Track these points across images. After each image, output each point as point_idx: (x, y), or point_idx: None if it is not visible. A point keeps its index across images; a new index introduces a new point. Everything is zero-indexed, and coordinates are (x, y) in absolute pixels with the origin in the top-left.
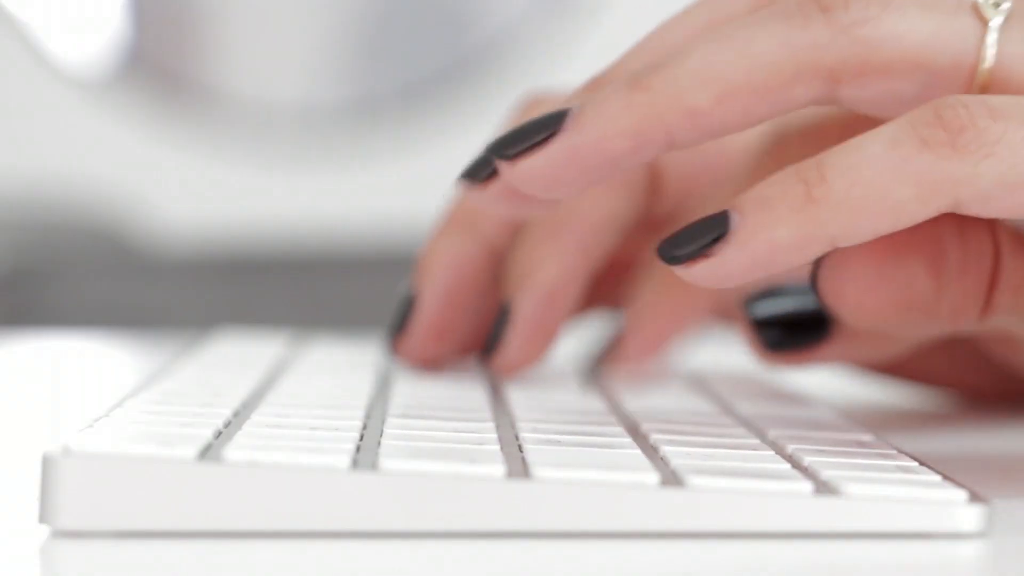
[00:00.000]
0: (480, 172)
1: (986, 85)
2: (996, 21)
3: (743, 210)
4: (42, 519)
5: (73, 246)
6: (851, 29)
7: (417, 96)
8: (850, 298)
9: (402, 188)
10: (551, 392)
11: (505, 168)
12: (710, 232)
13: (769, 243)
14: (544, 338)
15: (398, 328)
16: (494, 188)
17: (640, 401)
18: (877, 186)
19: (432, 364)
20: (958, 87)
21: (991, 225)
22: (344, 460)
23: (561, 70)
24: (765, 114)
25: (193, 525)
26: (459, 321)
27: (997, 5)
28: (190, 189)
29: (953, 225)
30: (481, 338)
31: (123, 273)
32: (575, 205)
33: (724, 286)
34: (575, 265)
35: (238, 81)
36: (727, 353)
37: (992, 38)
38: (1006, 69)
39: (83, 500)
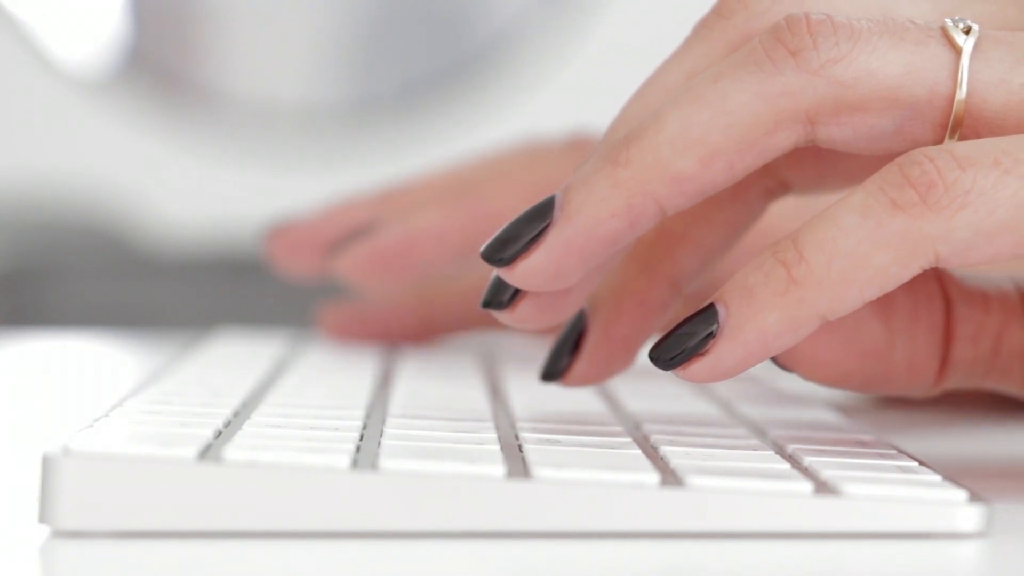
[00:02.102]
0: (501, 296)
1: (961, 115)
2: (967, 47)
3: (728, 302)
4: (42, 519)
5: (73, 246)
6: (824, 70)
7: (417, 96)
8: (804, 354)
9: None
10: (551, 392)
11: (505, 273)
12: (700, 331)
13: (760, 332)
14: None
15: (281, 229)
16: (522, 308)
17: (640, 401)
18: (856, 256)
19: (295, 265)
20: (935, 118)
21: (937, 275)
22: (344, 460)
23: (561, 70)
24: (750, 166)
25: (193, 525)
26: (328, 241)
27: (967, 30)
28: (190, 189)
29: None
30: None
31: (123, 273)
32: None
33: (725, 379)
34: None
35: (238, 81)
36: None
37: (965, 65)
38: (980, 96)
39: (83, 500)
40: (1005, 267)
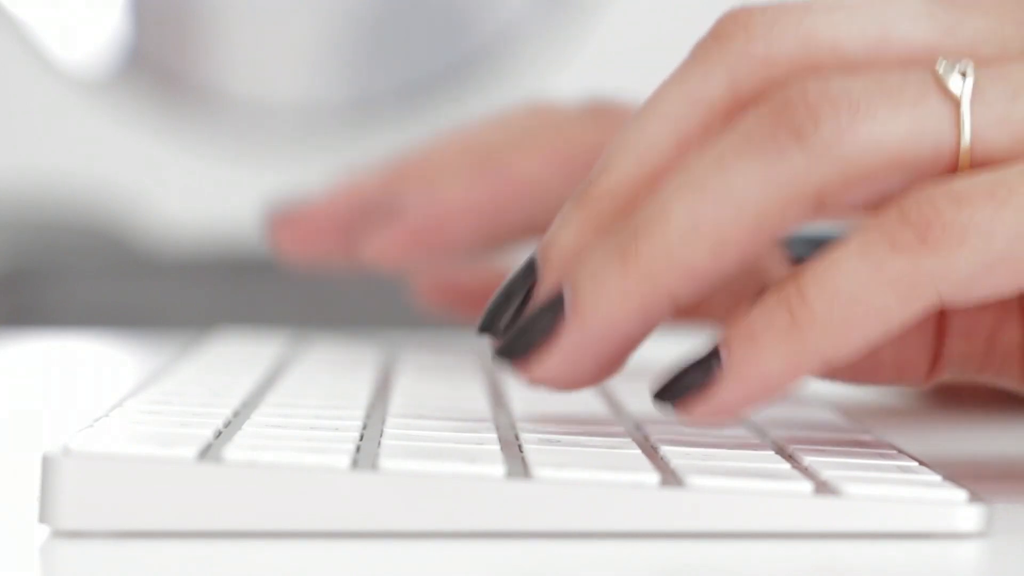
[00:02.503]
0: (499, 323)
1: (967, 162)
2: (965, 94)
3: (731, 346)
4: (42, 519)
5: (73, 246)
6: (829, 150)
7: (417, 96)
8: None
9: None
10: (551, 392)
11: (522, 372)
12: (701, 372)
13: (761, 376)
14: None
15: (283, 213)
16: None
17: (640, 401)
18: (857, 298)
19: (299, 256)
20: (943, 169)
21: None
22: (344, 460)
23: (560, 70)
24: (760, 250)
25: (193, 525)
26: (336, 231)
27: (963, 74)
28: (190, 189)
29: None
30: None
31: (123, 273)
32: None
33: (726, 419)
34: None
35: (238, 81)
36: None
37: (966, 114)
38: (984, 140)
39: (83, 500)
40: None
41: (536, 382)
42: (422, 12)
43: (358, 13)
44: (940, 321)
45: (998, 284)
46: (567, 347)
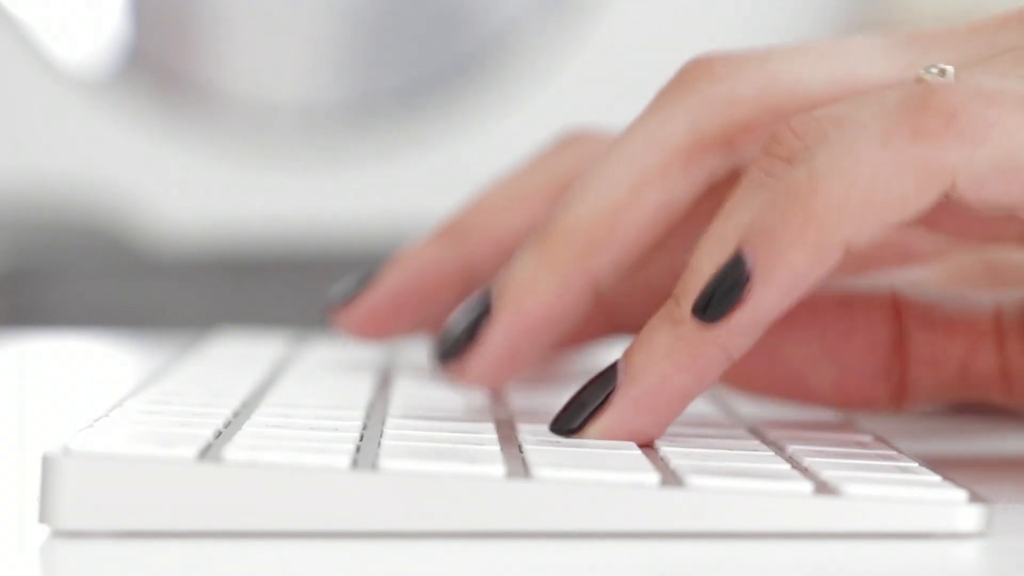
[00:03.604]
0: (456, 349)
1: None
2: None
3: (755, 249)
4: (42, 519)
5: (73, 246)
6: (827, 176)
7: (417, 96)
8: (733, 378)
9: (402, 188)
10: (551, 392)
11: (584, 434)
12: (732, 281)
13: (790, 270)
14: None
15: (346, 297)
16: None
17: None
18: (876, 184)
19: (364, 339)
20: None
21: (893, 300)
22: (344, 460)
23: (560, 71)
24: (813, 283)
25: (193, 525)
26: (408, 315)
27: (942, 72)
28: (190, 189)
29: (833, 302)
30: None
31: (123, 273)
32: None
33: (765, 327)
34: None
35: (238, 81)
36: None
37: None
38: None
39: (83, 500)
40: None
41: (603, 439)
42: (422, 12)
43: (358, 13)
44: (900, 349)
45: (1008, 191)
46: (620, 409)
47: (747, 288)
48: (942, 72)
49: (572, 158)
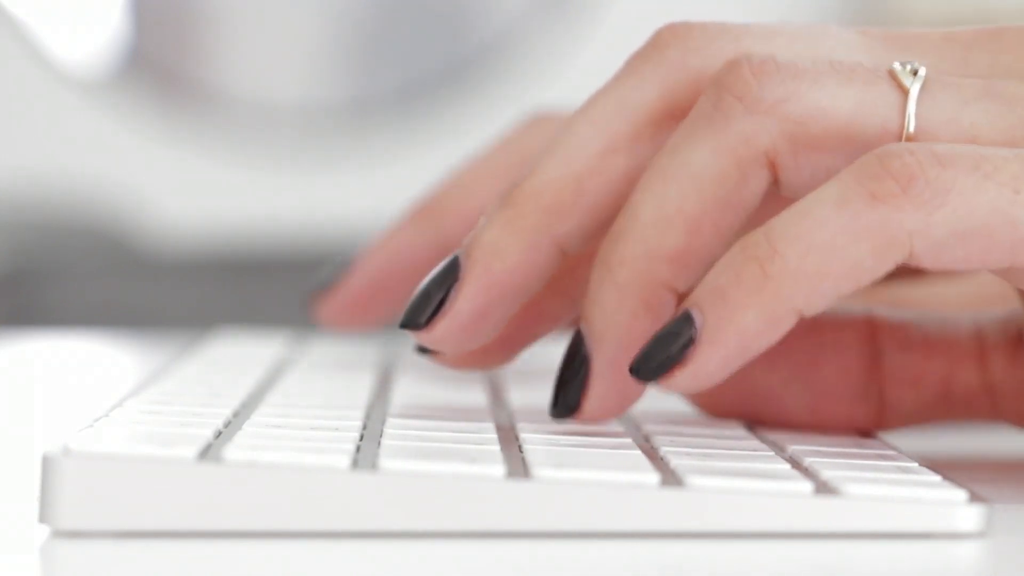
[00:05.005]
0: (419, 317)
1: None
2: (914, 89)
3: (702, 307)
4: (42, 519)
5: (73, 246)
6: (773, 108)
7: (416, 96)
8: (704, 403)
9: (401, 188)
10: (551, 392)
11: (580, 418)
12: (677, 340)
13: (739, 333)
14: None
15: (324, 287)
16: (440, 328)
17: (640, 401)
18: (832, 249)
19: (347, 327)
20: None
21: (868, 321)
22: (344, 460)
23: (560, 71)
24: (734, 223)
25: (193, 525)
26: (387, 299)
27: (914, 72)
28: (190, 189)
29: (801, 325)
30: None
31: (123, 273)
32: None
33: (709, 386)
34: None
35: (238, 81)
36: None
37: (912, 107)
38: (931, 134)
39: (83, 500)
40: (971, 307)
41: (592, 418)
42: (422, 13)
43: (358, 13)
44: (876, 371)
45: (967, 255)
46: (600, 374)
47: (691, 350)
48: (914, 72)
49: (539, 137)
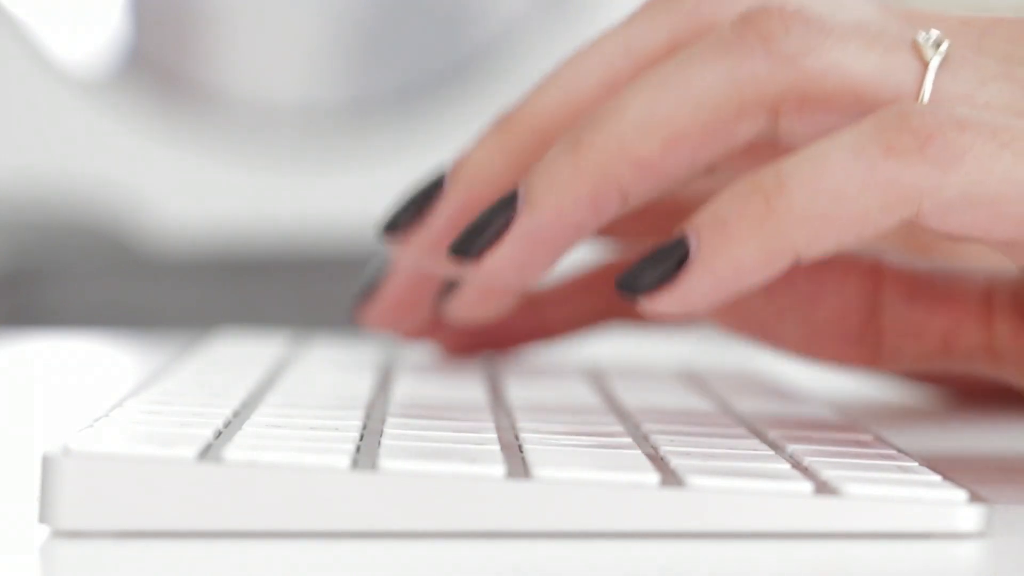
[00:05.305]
0: (470, 247)
1: None
2: (934, 62)
3: (700, 232)
4: (42, 519)
5: (73, 246)
6: (794, 60)
7: (416, 96)
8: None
9: (402, 188)
10: (551, 392)
11: (473, 268)
12: (669, 259)
13: (733, 264)
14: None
15: (366, 291)
16: (466, 296)
17: (640, 401)
18: (842, 196)
19: (391, 327)
20: None
21: (873, 268)
22: (344, 460)
23: None
24: (711, 156)
25: (193, 525)
26: (423, 300)
27: (937, 44)
28: (190, 189)
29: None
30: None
31: (123, 273)
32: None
33: (692, 312)
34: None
35: (238, 81)
36: (725, 351)
37: (930, 77)
38: (945, 107)
39: (83, 500)
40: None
41: (487, 275)
42: (422, 12)
43: (358, 13)
44: (875, 318)
45: (974, 222)
46: (518, 237)
47: (681, 271)
48: (938, 43)
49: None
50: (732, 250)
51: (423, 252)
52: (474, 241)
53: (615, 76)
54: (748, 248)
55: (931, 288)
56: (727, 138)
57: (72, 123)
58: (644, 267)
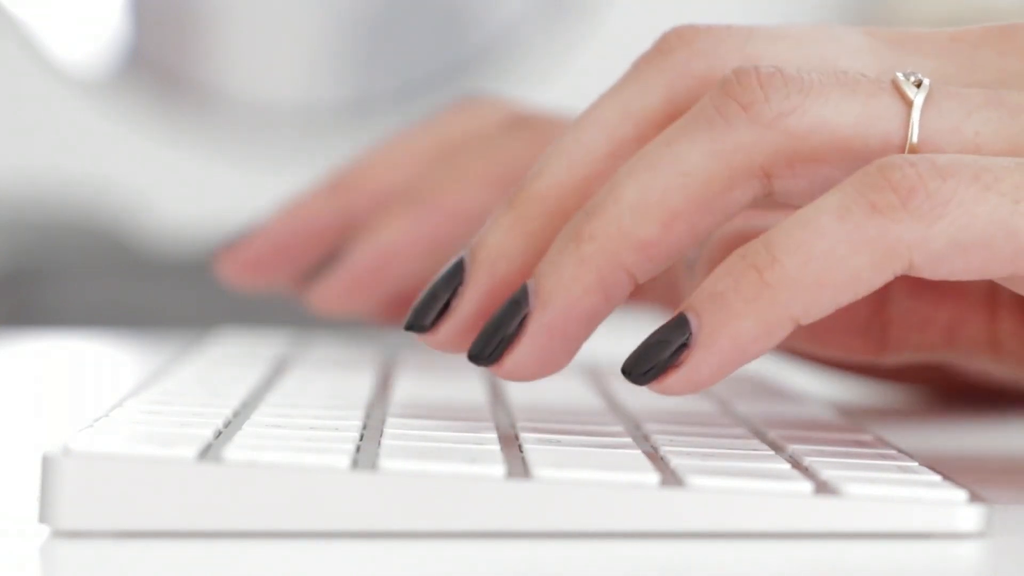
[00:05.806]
0: (423, 320)
1: None
2: (918, 100)
3: (699, 311)
4: (42, 519)
5: (73, 246)
6: (776, 122)
7: (416, 96)
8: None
9: None
10: (551, 392)
11: (495, 369)
12: (672, 343)
13: (734, 340)
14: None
15: (230, 244)
16: (445, 330)
17: (640, 401)
18: (832, 259)
19: (246, 283)
20: None
21: None
22: (344, 460)
23: (560, 72)
24: (711, 226)
25: (193, 525)
26: (285, 263)
27: (918, 84)
28: (190, 189)
29: None
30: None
31: (123, 273)
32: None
33: (701, 390)
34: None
35: (238, 81)
36: None
37: (916, 117)
38: (934, 144)
39: (83, 500)
40: None
41: (508, 375)
42: (422, 12)
43: (358, 13)
44: (881, 311)
45: (967, 266)
46: (535, 335)
47: (685, 354)
48: (918, 83)
49: (464, 122)
50: (732, 327)
51: (453, 343)
52: (491, 344)
53: (619, 143)
54: (747, 323)
55: (937, 281)
56: (724, 208)
57: (72, 123)
58: (646, 354)
